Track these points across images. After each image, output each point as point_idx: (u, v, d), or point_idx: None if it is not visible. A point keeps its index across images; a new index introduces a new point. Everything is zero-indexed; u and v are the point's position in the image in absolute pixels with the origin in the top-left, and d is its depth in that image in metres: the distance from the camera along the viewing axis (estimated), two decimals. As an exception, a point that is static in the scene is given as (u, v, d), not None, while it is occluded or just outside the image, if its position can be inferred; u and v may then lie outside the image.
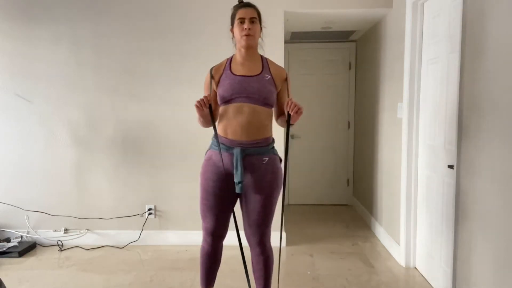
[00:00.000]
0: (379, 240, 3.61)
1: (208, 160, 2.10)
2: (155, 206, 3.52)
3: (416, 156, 2.90)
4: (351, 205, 4.91)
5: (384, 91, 3.54)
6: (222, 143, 2.04)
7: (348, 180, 4.91)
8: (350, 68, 4.78)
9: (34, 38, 3.42)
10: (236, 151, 2.00)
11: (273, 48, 3.35)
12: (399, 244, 3.09)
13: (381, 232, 3.60)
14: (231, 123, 2.03)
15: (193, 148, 3.45)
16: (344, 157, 4.89)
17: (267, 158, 2.06)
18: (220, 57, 3.34)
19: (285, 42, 4.09)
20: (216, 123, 2.11)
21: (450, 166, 2.34)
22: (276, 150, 2.15)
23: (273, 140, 2.15)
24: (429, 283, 2.72)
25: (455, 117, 2.23)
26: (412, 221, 2.95)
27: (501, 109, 1.80)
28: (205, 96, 1.99)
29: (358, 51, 4.69)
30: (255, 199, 2.05)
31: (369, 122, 4.08)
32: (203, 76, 3.37)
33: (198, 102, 1.96)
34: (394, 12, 3.26)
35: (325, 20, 3.67)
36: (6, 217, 3.54)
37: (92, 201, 3.53)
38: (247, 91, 2.01)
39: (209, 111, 2.01)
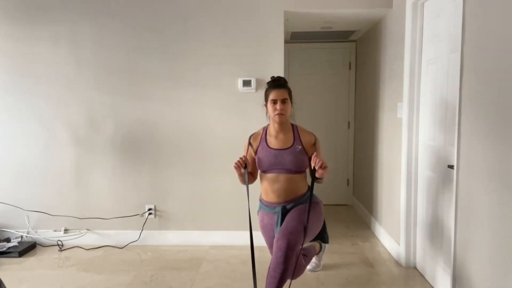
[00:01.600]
0: (379, 240, 3.61)
1: (262, 221, 2.49)
2: (155, 206, 3.52)
3: (416, 156, 2.90)
4: (351, 205, 4.91)
5: (384, 91, 3.54)
6: (266, 206, 2.44)
7: (348, 180, 4.91)
8: (350, 68, 4.78)
9: (34, 38, 3.42)
10: (278, 209, 2.37)
11: (273, 48, 3.36)
12: (399, 244, 3.09)
13: (381, 232, 3.60)
14: (270, 189, 2.39)
15: (193, 148, 3.45)
16: (344, 157, 4.88)
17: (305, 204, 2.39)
18: (220, 57, 3.37)
19: (285, 42, 4.08)
20: (249, 182, 2.41)
21: (450, 166, 2.34)
22: (314, 196, 2.42)
23: (308, 188, 2.43)
24: (429, 283, 2.72)
25: (455, 117, 2.23)
26: (412, 221, 2.95)
27: (501, 109, 1.80)
28: (240, 158, 2.32)
29: (358, 51, 4.69)
30: (289, 215, 2.34)
31: (369, 122, 4.07)
32: (203, 76, 3.40)
33: (236, 162, 2.29)
34: (394, 12, 3.26)
35: (325, 20, 3.67)
36: (6, 217, 3.54)
37: (92, 201, 3.53)
38: (281, 164, 2.33)
39: (245, 171, 2.32)
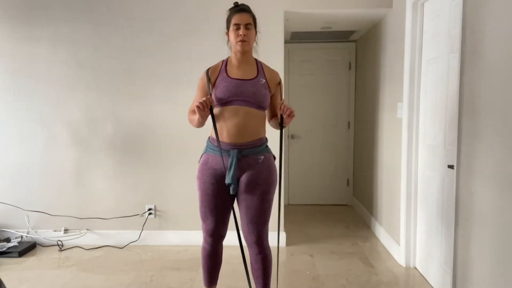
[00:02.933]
0: (379, 240, 3.61)
1: (205, 164, 2.15)
2: (155, 206, 3.52)
3: (416, 156, 2.90)
4: (351, 205, 4.91)
5: (384, 91, 3.54)
6: (217, 147, 2.09)
7: (348, 180, 4.91)
8: (350, 68, 4.78)
9: (34, 38, 3.42)
10: (233, 153, 2.06)
11: (273, 48, 3.36)
12: (399, 244, 3.09)
13: (381, 232, 3.60)
14: (226, 125, 2.08)
15: (193, 148, 3.45)
16: (344, 157, 4.89)
17: (262, 157, 2.12)
18: (220, 57, 3.36)
19: (285, 42, 4.09)
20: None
21: (450, 166, 2.34)
22: (270, 149, 2.21)
23: (266, 140, 2.20)
24: (429, 283, 2.72)
25: (455, 117, 2.23)
26: (412, 221, 2.95)
27: (501, 109, 1.80)
28: (207, 97, 2.02)
29: (358, 51, 4.69)
30: (251, 196, 2.09)
31: (369, 122, 4.08)
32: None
33: (200, 103, 1.98)
34: (394, 12, 3.26)
35: (325, 20, 3.67)
36: (6, 217, 3.54)
37: (92, 201, 3.53)
38: (243, 95, 2.07)
39: (210, 113, 2.06)
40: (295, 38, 4.50)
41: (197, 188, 2.19)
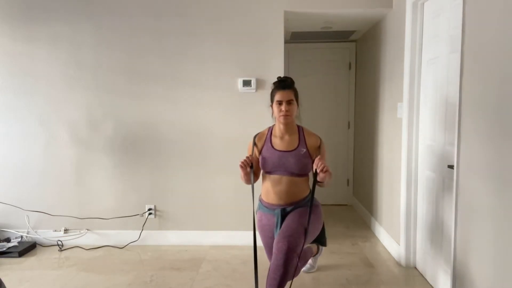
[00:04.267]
0: (379, 240, 3.61)
1: (260, 221, 2.46)
2: (155, 206, 3.52)
3: (416, 156, 2.90)
4: (351, 205, 4.91)
5: (384, 91, 3.54)
6: (265, 206, 2.42)
7: (348, 180, 4.91)
8: (350, 68, 4.78)
9: (34, 38, 3.42)
10: (277, 212, 2.35)
11: (273, 48, 3.36)
12: (399, 244, 3.09)
13: (381, 232, 3.60)
14: (272, 190, 2.37)
15: (193, 148, 3.45)
16: (344, 157, 4.89)
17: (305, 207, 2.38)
18: (220, 57, 3.37)
19: (285, 42, 4.09)
20: (255, 182, 2.38)
21: (450, 166, 2.34)
22: (315, 200, 2.39)
23: (310, 192, 2.40)
24: (429, 283, 2.72)
25: (455, 117, 2.23)
26: (412, 221, 2.95)
27: (500, 109, 1.80)
28: (247, 157, 2.30)
29: (358, 51, 4.69)
30: (289, 218, 2.32)
31: (369, 122, 4.08)
32: (203, 76, 3.40)
33: (242, 162, 2.26)
34: (394, 12, 3.26)
35: (325, 20, 3.67)
36: (6, 217, 3.54)
37: (92, 201, 3.53)
38: (285, 166, 2.32)
39: (251, 171, 2.31)
40: (295, 38, 4.50)
41: (260, 235, 2.48)
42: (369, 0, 3.29)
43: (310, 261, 2.89)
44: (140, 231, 3.51)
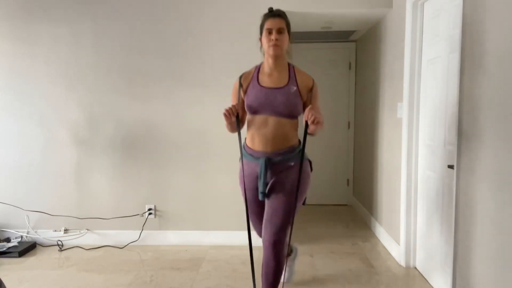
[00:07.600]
0: (379, 240, 3.61)
1: (240, 171, 2.22)
2: (155, 206, 3.52)
3: (416, 156, 2.90)
4: (351, 205, 4.91)
5: (384, 91, 3.54)
6: (250, 154, 2.14)
7: (348, 180, 4.91)
8: (350, 68, 4.78)
9: (34, 38, 3.42)
10: (261, 161, 2.08)
11: (273, 48, 3.35)
12: (399, 244, 3.09)
13: (381, 232, 3.60)
14: (257, 133, 2.11)
15: (193, 148, 3.45)
16: (344, 157, 4.89)
17: (292, 163, 2.12)
18: (220, 57, 3.37)
19: (285, 42, 4.08)
20: (242, 130, 2.18)
21: (450, 166, 2.34)
22: (306, 154, 2.17)
23: (299, 145, 2.17)
24: (429, 283, 2.72)
25: (455, 117, 2.23)
26: (412, 221, 2.95)
27: (500, 109, 1.80)
28: (233, 105, 2.06)
29: (358, 51, 4.69)
30: (274, 197, 2.11)
31: (369, 122, 4.08)
32: (203, 75, 3.40)
33: (227, 110, 2.02)
34: (394, 12, 3.26)
35: (325, 20, 3.67)
36: (6, 217, 3.54)
37: (92, 201, 3.53)
38: (272, 105, 2.06)
39: (236, 120, 2.10)
40: (295, 38, 4.48)
41: (242, 195, 2.24)
42: (369, 0, 3.29)
43: (286, 268, 2.50)
44: (140, 231, 3.51)
